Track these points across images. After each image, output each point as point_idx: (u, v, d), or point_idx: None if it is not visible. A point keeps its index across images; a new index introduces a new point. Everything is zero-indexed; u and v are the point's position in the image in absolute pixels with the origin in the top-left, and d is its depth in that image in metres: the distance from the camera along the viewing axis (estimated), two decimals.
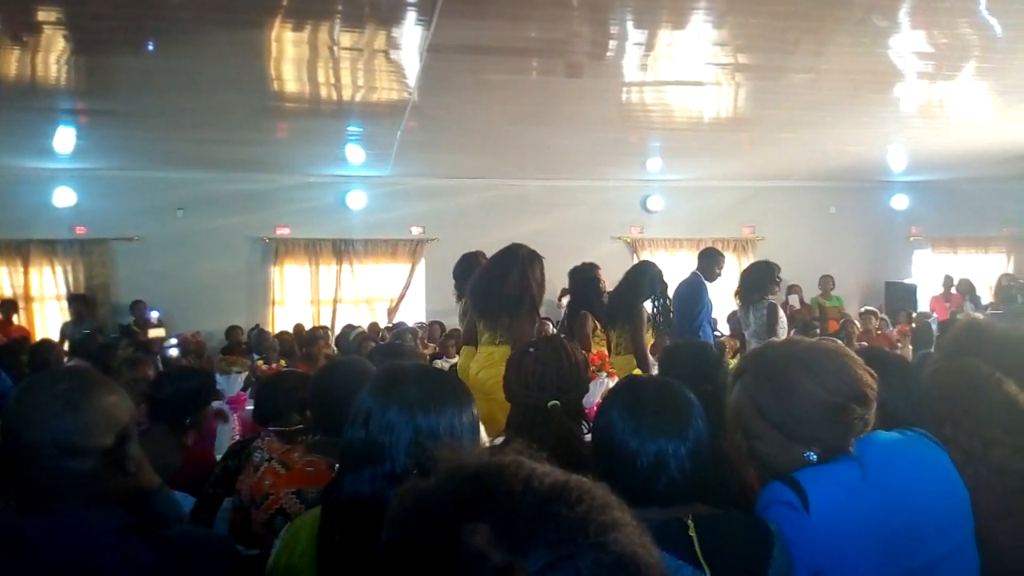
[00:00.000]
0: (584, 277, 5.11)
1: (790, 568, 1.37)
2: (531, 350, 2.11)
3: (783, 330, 5.80)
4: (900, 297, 10.52)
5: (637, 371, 4.39)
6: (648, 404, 1.46)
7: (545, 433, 1.94)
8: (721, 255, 6.36)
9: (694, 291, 6.04)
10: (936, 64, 5.34)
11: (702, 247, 10.99)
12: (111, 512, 1.29)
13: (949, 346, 2.23)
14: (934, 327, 6.14)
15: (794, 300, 9.33)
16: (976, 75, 5.59)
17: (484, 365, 3.64)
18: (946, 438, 1.65)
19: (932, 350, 4.83)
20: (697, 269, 6.23)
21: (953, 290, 10.41)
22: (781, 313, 5.94)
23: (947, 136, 7.80)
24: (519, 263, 3.86)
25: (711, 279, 6.15)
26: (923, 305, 10.45)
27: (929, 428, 1.63)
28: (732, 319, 6.30)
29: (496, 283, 3.79)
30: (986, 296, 10.42)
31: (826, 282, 10.04)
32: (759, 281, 5.88)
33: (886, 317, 8.83)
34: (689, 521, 1.34)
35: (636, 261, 10.98)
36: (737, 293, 6.16)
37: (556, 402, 1.97)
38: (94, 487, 1.29)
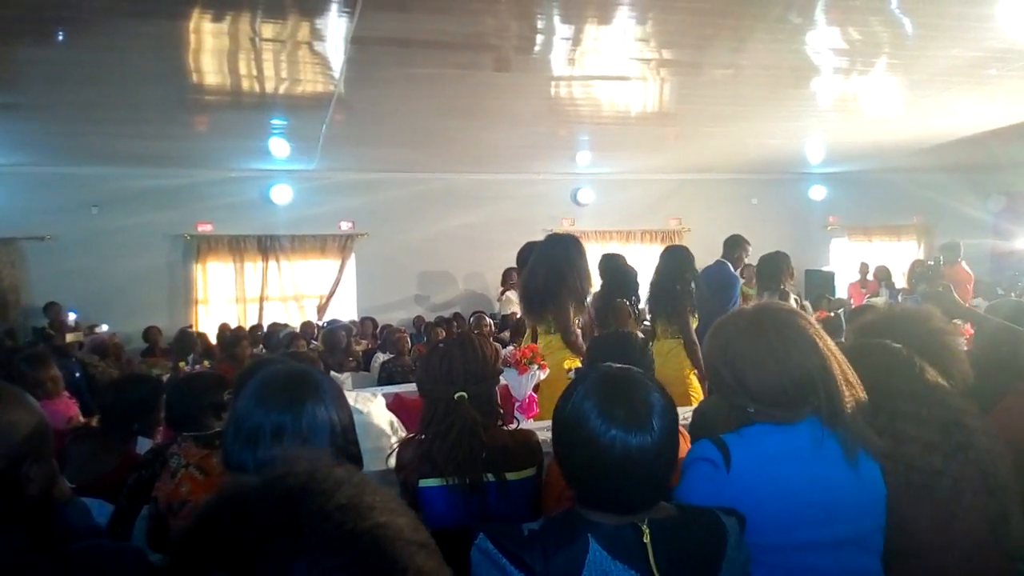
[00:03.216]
0: (614, 266, 5.08)
1: (746, 566, 1.39)
2: (440, 346, 2.20)
3: None
4: (819, 284, 10.94)
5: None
6: (619, 396, 1.36)
7: (453, 424, 2.03)
8: (746, 242, 6.40)
9: (727, 280, 6.05)
10: (850, 60, 5.54)
11: (631, 239, 11.28)
12: (6, 533, 1.22)
13: (864, 330, 2.31)
14: (842, 316, 6.38)
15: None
16: (888, 70, 5.81)
17: (545, 355, 3.79)
18: None
19: (842, 339, 5.02)
20: (724, 257, 6.27)
21: (869, 276, 10.88)
22: (793, 299, 6.05)
23: (861, 129, 8.13)
24: (546, 257, 4.07)
25: (738, 267, 6.24)
26: (841, 292, 10.89)
27: None
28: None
29: (530, 280, 4.05)
30: (900, 282, 10.91)
31: (748, 271, 10.32)
32: (775, 269, 6.00)
33: (807, 303, 9.14)
34: (644, 527, 1.31)
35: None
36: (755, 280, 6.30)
37: (463, 393, 2.06)
38: None
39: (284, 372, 1.50)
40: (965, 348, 2.77)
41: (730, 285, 6.06)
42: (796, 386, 1.54)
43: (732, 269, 6.20)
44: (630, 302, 4.89)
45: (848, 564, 1.54)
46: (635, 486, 1.32)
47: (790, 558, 1.43)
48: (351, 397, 3.01)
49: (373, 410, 3.02)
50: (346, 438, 1.50)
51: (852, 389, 1.59)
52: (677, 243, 5.31)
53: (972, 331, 3.08)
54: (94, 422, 3.39)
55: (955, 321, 5.91)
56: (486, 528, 1.34)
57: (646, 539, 1.30)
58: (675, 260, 5.08)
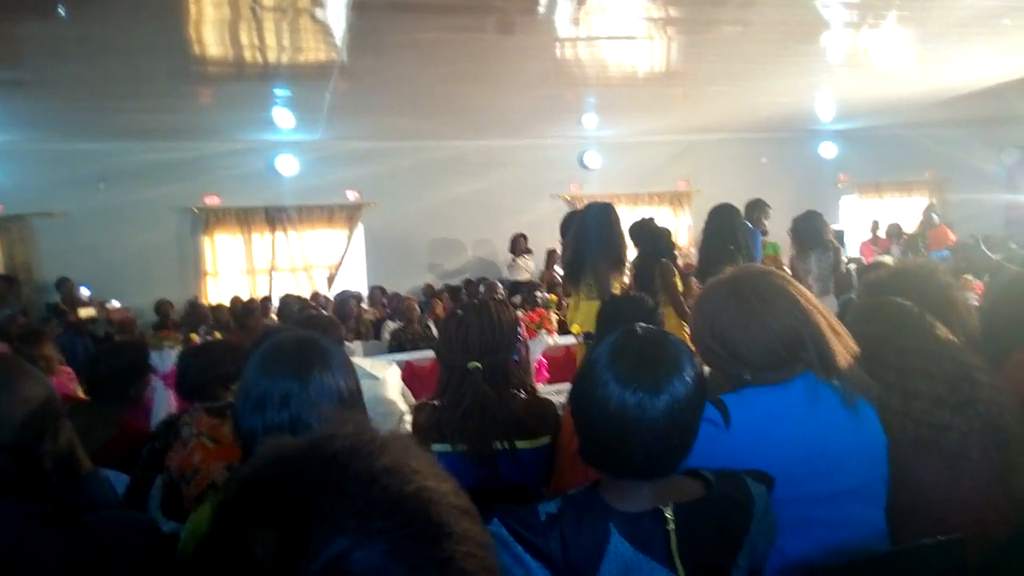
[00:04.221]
0: (649, 230, 5.11)
1: (771, 534, 1.37)
2: (459, 312, 2.16)
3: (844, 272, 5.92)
4: None
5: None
6: (629, 352, 1.30)
7: (464, 396, 2.01)
8: (767, 205, 6.39)
9: (751, 241, 6.01)
10: (860, 13, 5.44)
11: (640, 202, 11.20)
12: (18, 503, 1.24)
13: (873, 287, 2.30)
14: (853, 272, 6.37)
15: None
16: (899, 23, 5.70)
17: (583, 320, 4.01)
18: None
19: (853, 296, 5.01)
20: (746, 219, 6.20)
21: (881, 233, 10.80)
22: (843, 255, 6.05)
23: (872, 84, 7.99)
24: (576, 224, 4.29)
25: (759, 228, 6.23)
26: (852, 250, 10.81)
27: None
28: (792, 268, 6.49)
29: (567, 248, 4.28)
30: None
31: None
32: (813, 228, 5.97)
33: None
34: (669, 514, 1.25)
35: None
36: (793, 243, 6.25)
37: (477, 364, 2.03)
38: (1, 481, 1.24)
39: (291, 340, 1.51)
40: (976, 303, 2.75)
41: (754, 247, 6.03)
42: (785, 345, 1.54)
43: (754, 229, 6.14)
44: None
45: (851, 514, 1.55)
46: (636, 449, 1.25)
47: (794, 511, 1.44)
48: (367, 364, 3.03)
49: (388, 378, 3.04)
50: (354, 405, 1.51)
51: (840, 338, 1.59)
52: (725, 202, 5.26)
53: (982, 287, 3.06)
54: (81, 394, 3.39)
55: (967, 276, 5.91)
56: (500, 512, 1.27)
57: (670, 527, 1.24)
58: (725, 219, 5.07)
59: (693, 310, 1.71)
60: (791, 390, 1.55)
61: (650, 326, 1.40)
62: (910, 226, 10.87)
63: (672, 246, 5.05)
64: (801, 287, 1.64)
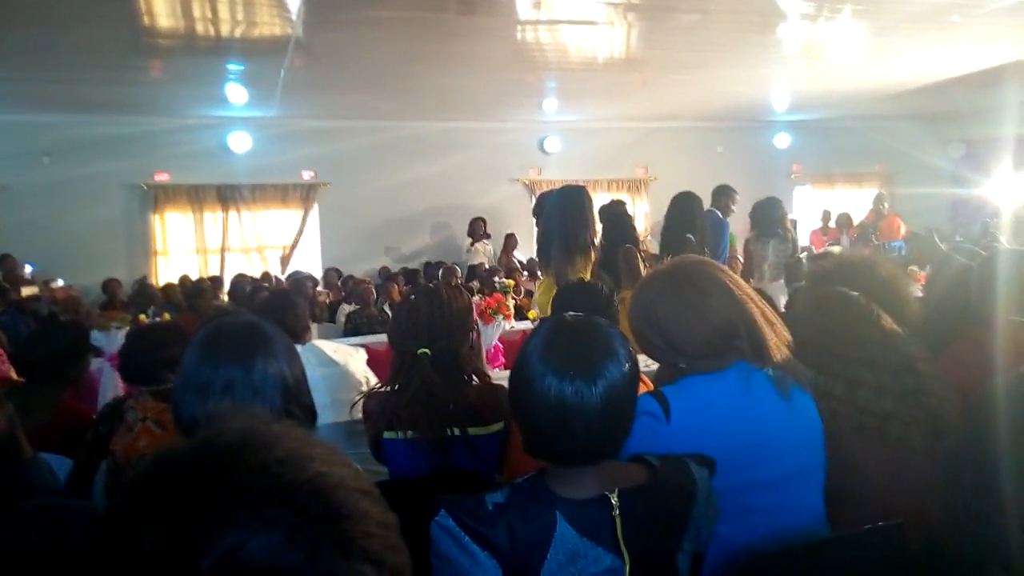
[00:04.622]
0: (615, 212, 5.06)
1: (714, 518, 1.40)
2: (411, 297, 2.14)
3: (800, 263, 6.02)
4: None
5: None
6: (562, 342, 1.32)
7: (411, 381, 2.01)
8: (734, 191, 6.42)
9: (718, 227, 6.09)
10: (817, 5, 5.51)
11: (598, 188, 11.24)
12: None
13: (818, 277, 2.35)
14: (804, 261, 6.50)
15: None
16: (853, 16, 5.80)
17: (539, 293, 4.25)
18: (806, 364, 1.76)
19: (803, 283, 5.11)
20: (712, 206, 6.27)
21: (831, 224, 11.04)
22: (792, 245, 6.14)
23: (826, 76, 8.13)
24: (545, 207, 4.37)
25: (727, 215, 6.27)
26: (803, 239, 11.03)
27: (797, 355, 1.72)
28: (746, 251, 6.54)
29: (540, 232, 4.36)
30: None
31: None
32: (771, 215, 6.03)
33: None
34: (614, 500, 1.27)
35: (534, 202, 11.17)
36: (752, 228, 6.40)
37: (425, 350, 2.02)
38: None
39: (232, 325, 1.48)
40: (919, 294, 2.83)
41: (720, 233, 6.12)
42: (719, 334, 1.58)
43: (721, 217, 6.24)
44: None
45: (790, 500, 1.58)
46: (577, 436, 1.27)
47: (733, 500, 1.46)
48: (330, 348, 2.97)
49: (351, 363, 2.99)
50: (299, 391, 1.49)
51: (774, 327, 1.63)
52: (687, 190, 5.29)
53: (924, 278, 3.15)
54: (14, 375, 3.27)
55: (912, 268, 6.05)
56: (447, 504, 1.28)
57: (615, 512, 1.26)
58: (685, 207, 5.09)
59: (631, 299, 1.73)
60: (726, 379, 1.58)
61: (579, 314, 1.42)
62: (861, 216, 11.12)
63: (634, 230, 5.04)
64: (737, 278, 1.68)
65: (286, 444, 0.62)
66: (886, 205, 10.85)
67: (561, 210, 4.16)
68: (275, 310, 2.88)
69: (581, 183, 10.82)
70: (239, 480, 0.57)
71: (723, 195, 6.42)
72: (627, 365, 1.31)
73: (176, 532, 0.55)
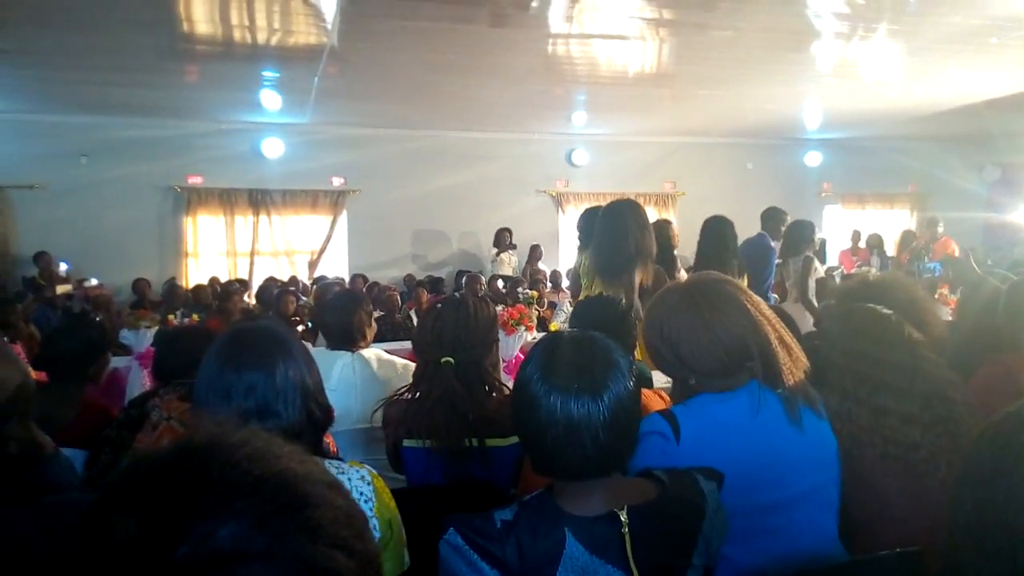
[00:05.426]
0: (665, 235, 4.93)
1: (723, 531, 1.38)
2: (438, 306, 2.14)
3: (813, 280, 5.94)
4: None
5: None
6: (563, 360, 1.32)
7: (432, 390, 2.02)
8: (784, 213, 6.28)
9: (765, 252, 6.01)
10: (851, 24, 5.48)
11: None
12: None
13: (844, 297, 2.33)
14: (838, 280, 6.43)
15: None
16: (889, 36, 5.75)
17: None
18: (832, 388, 1.73)
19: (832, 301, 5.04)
20: (763, 230, 6.19)
21: (861, 244, 10.90)
22: (816, 264, 6.06)
23: (859, 95, 8.06)
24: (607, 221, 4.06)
25: (777, 239, 6.16)
26: (832, 259, 10.91)
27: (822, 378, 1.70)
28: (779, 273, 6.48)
29: (605, 246, 4.02)
30: (892, 251, 10.95)
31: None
32: (798, 236, 6.00)
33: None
34: (623, 517, 1.26)
35: (561, 214, 11.15)
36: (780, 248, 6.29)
37: (449, 359, 2.03)
38: None
39: (253, 331, 1.51)
40: (948, 317, 2.78)
41: (769, 260, 6.03)
42: (730, 353, 1.56)
43: (771, 242, 6.12)
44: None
45: (802, 521, 1.56)
46: (587, 451, 1.26)
47: (742, 522, 1.45)
48: (373, 359, 2.88)
49: (395, 380, 2.89)
50: (317, 391, 1.51)
51: (790, 351, 1.61)
52: (718, 214, 5.16)
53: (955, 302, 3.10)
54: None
55: (942, 291, 5.94)
56: (456, 521, 1.28)
57: (624, 529, 1.25)
58: (718, 232, 5.00)
59: (645, 314, 1.73)
60: (737, 400, 1.57)
61: (574, 329, 1.43)
62: (893, 237, 10.94)
63: (670, 244, 4.95)
64: (756, 298, 1.66)
65: (255, 443, 0.66)
66: (941, 228, 10.59)
67: (638, 225, 3.97)
68: (337, 311, 2.92)
69: (608, 196, 10.90)
70: (210, 475, 0.61)
71: (773, 219, 6.26)
72: (629, 375, 1.32)
73: (150, 522, 0.58)
